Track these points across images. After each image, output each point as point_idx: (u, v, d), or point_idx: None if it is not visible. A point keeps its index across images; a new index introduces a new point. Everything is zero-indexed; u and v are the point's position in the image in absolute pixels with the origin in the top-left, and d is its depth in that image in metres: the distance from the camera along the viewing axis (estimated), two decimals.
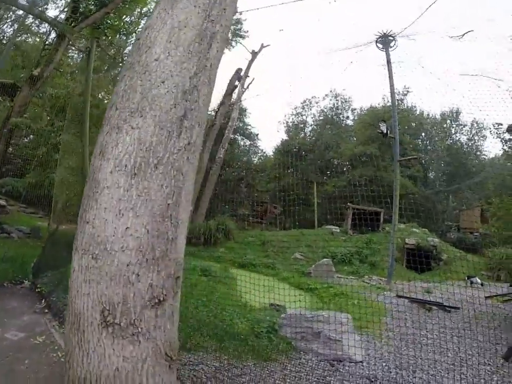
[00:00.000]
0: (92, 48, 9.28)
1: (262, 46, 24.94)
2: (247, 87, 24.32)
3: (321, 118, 37.01)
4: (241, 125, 31.76)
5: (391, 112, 18.68)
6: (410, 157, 23.20)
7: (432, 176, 35.06)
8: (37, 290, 6.65)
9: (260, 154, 35.41)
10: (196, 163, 2.51)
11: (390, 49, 17.26)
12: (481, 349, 6.77)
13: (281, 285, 9.70)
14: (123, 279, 2.19)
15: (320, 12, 44.52)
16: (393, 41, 17.28)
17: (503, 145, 9.81)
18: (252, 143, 33.87)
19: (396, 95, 22.91)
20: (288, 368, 5.35)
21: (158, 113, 2.39)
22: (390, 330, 7.80)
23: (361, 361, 5.88)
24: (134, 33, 19.62)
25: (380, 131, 19.06)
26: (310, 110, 37.62)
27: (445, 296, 10.40)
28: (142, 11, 20.16)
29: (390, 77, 17.40)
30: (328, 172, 34.09)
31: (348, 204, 25.58)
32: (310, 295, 11.06)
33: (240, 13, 26.18)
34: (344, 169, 34.78)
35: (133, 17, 20.39)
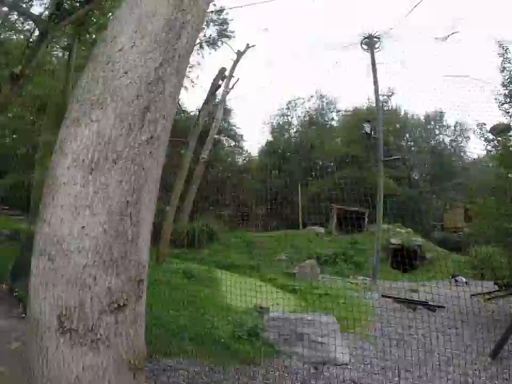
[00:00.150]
0: (73, 45, 9.06)
1: (248, 47, 24.78)
2: (232, 87, 24.18)
3: (306, 119, 37.07)
4: (226, 125, 31.58)
5: (375, 113, 18.76)
6: (394, 157, 23.37)
7: (416, 177, 35.50)
8: (14, 294, 6.44)
9: (244, 155, 35.28)
10: (160, 159, 2.34)
11: (375, 51, 17.35)
12: (468, 347, 6.75)
13: (265, 286, 9.60)
14: (79, 281, 2.02)
15: (306, 12, 44.50)
16: (378, 43, 17.38)
17: (486, 145, 9.87)
18: (237, 144, 33.69)
19: (380, 96, 23.09)
20: (271, 372, 5.22)
21: (119, 105, 2.22)
22: (375, 331, 7.74)
23: (346, 363, 5.80)
24: None
25: (364, 131, 19.23)
26: (295, 111, 37.65)
27: (430, 295, 10.41)
28: None
29: (375, 78, 17.50)
30: (312, 173, 34.13)
31: (332, 204, 25.61)
32: (294, 296, 10.95)
33: (227, 13, 26.19)
34: (329, 170, 34.89)
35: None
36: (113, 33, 2.52)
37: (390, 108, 34.13)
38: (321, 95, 37.11)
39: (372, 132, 18.85)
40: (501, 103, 9.53)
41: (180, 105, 29.82)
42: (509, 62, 9.43)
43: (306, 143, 33.11)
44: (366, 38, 17.38)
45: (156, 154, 2.27)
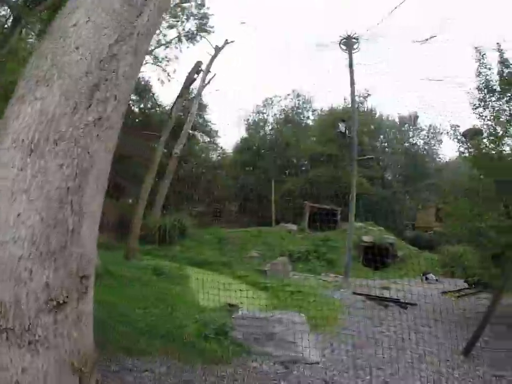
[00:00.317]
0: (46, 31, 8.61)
1: (226, 42, 24.50)
2: (208, 82, 23.89)
3: (282, 117, 37.06)
4: (201, 121, 31.20)
5: (351, 113, 18.86)
6: (368, 157, 23.60)
7: (389, 177, 36.08)
8: None
9: (219, 151, 34.97)
10: (110, 143, 2.13)
11: (353, 51, 17.40)
12: (440, 345, 6.75)
13: (236, 283, 9.45)
14: (14, 275, 1.81)
15: (288, 9, 44.37)
16: (357, 43, 17.44)
17: (459, 147, 10.02)
18: (212, 139, 33.34)
19: (357, 97, 23.26)
20: (239, 372, 5.06)
21: (66, 82, 2.01)
22: (346, 328, 7.67)
23: (317, 362, 5.67)
24: None
25: (339, 130, 19.33)
26: (271, 108, 37.58)
27: (402, 293, 10.47)
28: None
29: (352, 78, 17.54)
30: (287, 171, 34.18)
31: (305, 202, 25.67)
32: (265, 293, 10.83)
33: (208, 8, 25.83)
34: (303, 168, 35.03)
35: None
36: (71, 7, 2.31)
37: (366, 108, 34.56)
38: (298, 94, 37.21)
39: (347, 131, 18.96)
40: (475, 107, 9.68)
41: (155, 99, 29.31)
42: (484, 67, 9.57)
43: (281, 140, 33.09)
44: (344, 38, 17.40)
45: (104, 137, 2.06)
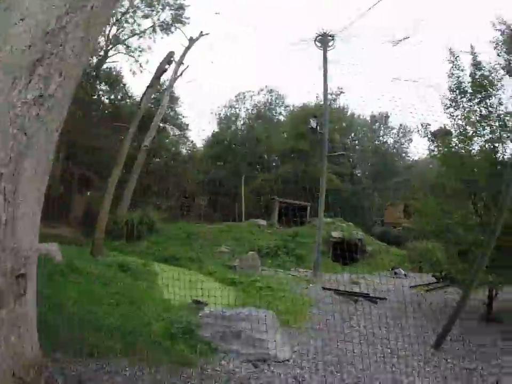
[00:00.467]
0: None
1: (201, 34, 24.02)
2: (181, 74, 23.44)
3: (254, 112, 36.97)
4: (172, 114, 30.64)
5: (323, 109, 18.92)
6: (338, 153, 23.83)
7: (359, 174, 36.72)
8: None
9: (189, 145, 34.53)
10: (53, 123, 1.88)
11: (328, 49, 17.42)
12: (411, 339, 6.78)
13: (205, 279, 9.27)
14: None
15: (269, 6, 43.92)
16: (332, 41, 17.47)
17: (430, 145, 10.21)
18: (182, 133, 32.82)
19: (329, 94, 23.37)
20: (207, 372, 4.89)
21: (5, 55, 1.76)
22: (316, 324, 7.65)
23: (287, 360, 5.56)
24: None
25: (310, 126, 19.40)
26: (244, 103, 37.43)
27: (372, 287, 10.55)
28: None
29: (325, 75, 17.56)
30: (258, 166, 34.10)
31: (275, 197, 25.64)
32: (234, 289, 10.69)
33: None
34: (274, 163, 35.08)
35: None
36: None
37: (338, 106, 34.94)
38: (271, 90, 37.25)
39: (318, 127, 19.05)
40: (446, 107, 9.87)
41: (126, 90, 28.54)
42: (457, 69, 9.76)
43: (253, 136, 32.96)
44: (320, 35, 17.41)
45: (45, 117, 1.80)
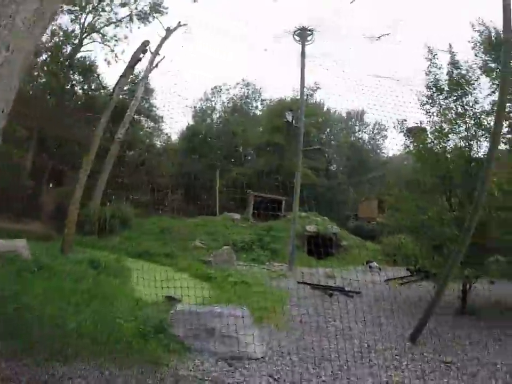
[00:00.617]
0: None
1: (179, 25, 23.58)
2: (156, 65, 22.93)
3: (230, 105, 36.79)
4: (147, 105, 30.06)
5: (299, 104, 18.94)
6: (314, 148, 23.92)
7: (334, 169, 37.10)
8: None
9: (164, 138, 34.04)
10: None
11: (306, 43, 17.39)
12: (387, 333, 6.82)
13: (179, 275, 9.08)
14: None
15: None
16: (311, 36, 17.43)
17: (405, 140, 10.37)
18: (157, 125, 32.26)
19: (306, 89, 23.38)
20: (180, 372, 4.75)
21: None
22: (292, 320, 7.58)
23: (262, 357, 5.46)
24: None
25: (286, 119, 19.44)
26: (220, 96, 37.26)
27: (347, 281, 10.59)
28: None
29: (302, 69, 17.54)
30: (233, 159, 33.97)
31: (249, 191, 25.57)
32: (209, 285, 10.54)
33: None
34: (249, 157, 35.02)
35: None
36: None
37: (314, 101, 35.08)
38: (247, 83, 37.13)
39: (294, 121, 19.08)
40: (422, 104, 10.06)
41: (100, 80, 27.80)
42: (435, 67, 9.95)
43: (228, 129, 32.78)
44: (299, 29, 17.35)
45: None
